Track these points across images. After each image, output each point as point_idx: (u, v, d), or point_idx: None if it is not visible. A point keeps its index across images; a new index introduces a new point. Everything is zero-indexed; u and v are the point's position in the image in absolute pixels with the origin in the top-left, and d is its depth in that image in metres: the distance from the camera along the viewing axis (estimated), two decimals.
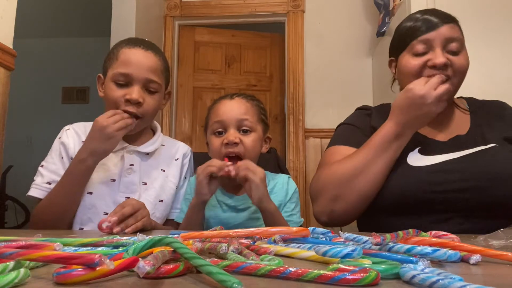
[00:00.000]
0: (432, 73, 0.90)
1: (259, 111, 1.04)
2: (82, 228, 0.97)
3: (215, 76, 3.14)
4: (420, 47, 0.92)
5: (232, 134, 0.96)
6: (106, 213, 0.96)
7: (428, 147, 0.93)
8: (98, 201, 0.97)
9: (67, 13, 4.14)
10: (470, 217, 0.84)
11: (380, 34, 2.42)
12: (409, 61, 0.94)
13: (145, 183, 1.02)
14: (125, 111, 0.94)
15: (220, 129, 0.99)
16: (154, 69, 0.99)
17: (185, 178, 1.11)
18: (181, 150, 1.12)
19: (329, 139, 1.05)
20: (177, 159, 1.10)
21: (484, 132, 0.95)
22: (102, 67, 1.05)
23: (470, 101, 1.06)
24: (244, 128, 0.99)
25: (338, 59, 2.81)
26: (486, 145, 0.91)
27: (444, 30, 0.91)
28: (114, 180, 0.99)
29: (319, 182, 0.95)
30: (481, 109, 1.01)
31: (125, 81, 0.97)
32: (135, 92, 0.95)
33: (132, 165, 1.01)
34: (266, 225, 0.91)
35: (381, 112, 1.05)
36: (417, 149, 0.93)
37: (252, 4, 2.95)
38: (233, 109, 0.99)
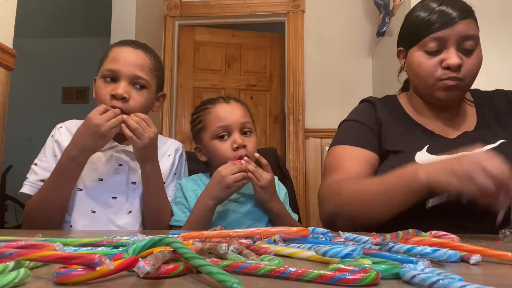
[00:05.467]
0: (445, 74, 0.88)
1: (250, 114, 1.10)
2: (71, 226, 0.96)
3: (215, 76, 3.14)
4: (433, 45, 0.89)
5: (240, 138, 1.01)
6: (93, 211, 0.96)
7: (437, 146, 0.91)
8: (85, 199, 0.97)
9: (67, 13, 4.14)
10: (484, 220, 0.77)
11: (380, 34, 2.42)
12: (422, 61, 0.91)
13: (134, 183, 1.01)
14: (112, 107, 0.92)
15: (224, 133, 1.02)
16: (141, 66, 0.99)
17: (175, 173, 1.09)
18: (173, 146, 1.11)
19: (330, 139, 1.04)
20: (169, 155, 1.08)
21: (492, 126, 0.94)
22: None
23: (475, 93, 1.04)
24: (245, 130, 1.04)
25: (338, 59, 2.81)
26: (494, 141, 0.89)
27: (460, 28, 0.87)
28: (102, 180, 0.99)
29: (325, 192, 0.94)
30: (487, 101, 1.00)
31: (112, 77, 0.97)
32: (120, 88, 0.94)
33: (121, 164, 1.00)
34: (274, 225, 0.97)
35: (387, 104, 1.03)
36: (425, 148, 0.91)
37: (252, 4, 2.95)
38: (235, 113, 1.03)
